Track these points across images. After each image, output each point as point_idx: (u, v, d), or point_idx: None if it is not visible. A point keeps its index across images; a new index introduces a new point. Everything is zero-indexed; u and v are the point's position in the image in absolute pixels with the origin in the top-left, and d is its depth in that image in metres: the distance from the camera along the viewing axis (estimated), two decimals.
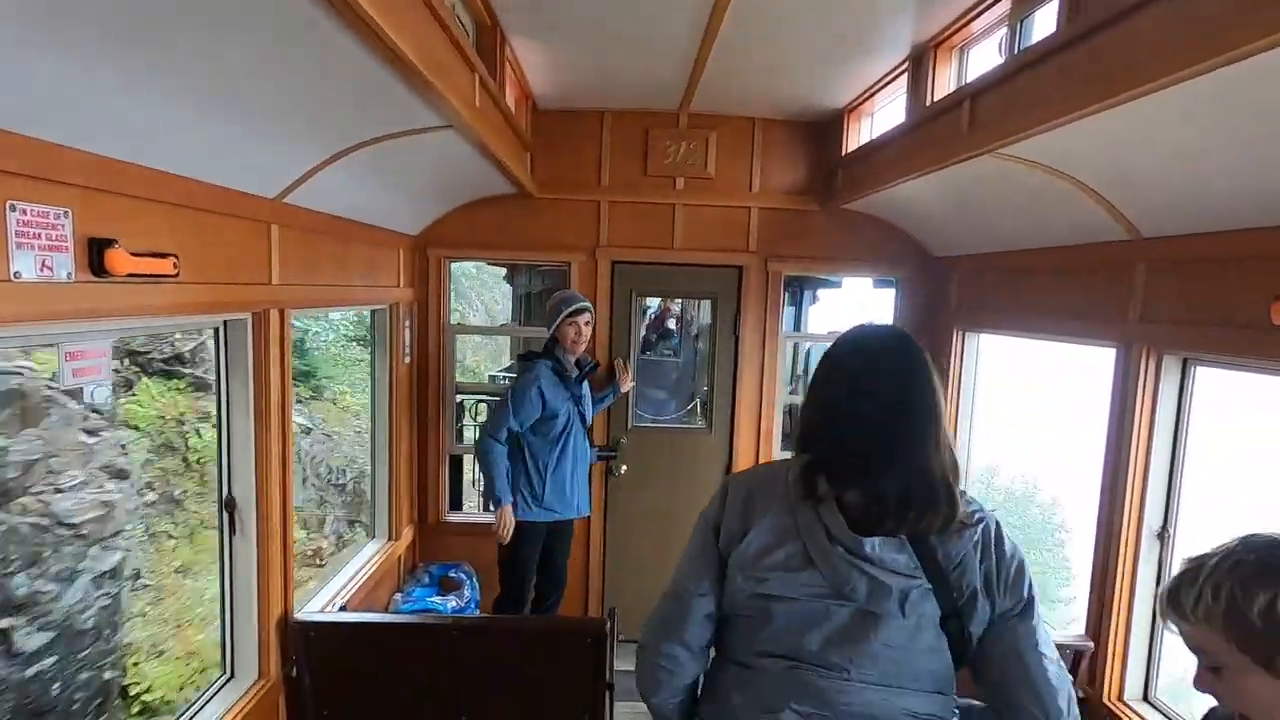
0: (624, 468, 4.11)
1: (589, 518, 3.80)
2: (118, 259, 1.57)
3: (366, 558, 3.50)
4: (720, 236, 4.00)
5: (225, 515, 2.36)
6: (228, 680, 2.40)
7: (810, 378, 1.54)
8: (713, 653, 1.50)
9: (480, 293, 12.05)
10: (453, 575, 3.98)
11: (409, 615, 2.92)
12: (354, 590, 3.17)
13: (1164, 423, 2.43)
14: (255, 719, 2.34)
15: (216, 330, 2.28)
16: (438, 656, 2.57)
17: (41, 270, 1.42)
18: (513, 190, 3.78)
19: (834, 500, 1.33)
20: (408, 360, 3.84)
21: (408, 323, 3.80)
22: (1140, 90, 1.56)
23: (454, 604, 3.74)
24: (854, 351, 1.42)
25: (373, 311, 3.63)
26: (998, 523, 1.39)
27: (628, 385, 4.00)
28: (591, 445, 3.63)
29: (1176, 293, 2.31)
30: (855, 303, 5.43)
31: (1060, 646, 2.53)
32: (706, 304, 4.22)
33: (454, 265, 4.20)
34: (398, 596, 3.73)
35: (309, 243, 2.64)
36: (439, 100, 1.99)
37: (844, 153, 3.71)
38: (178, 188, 1.83)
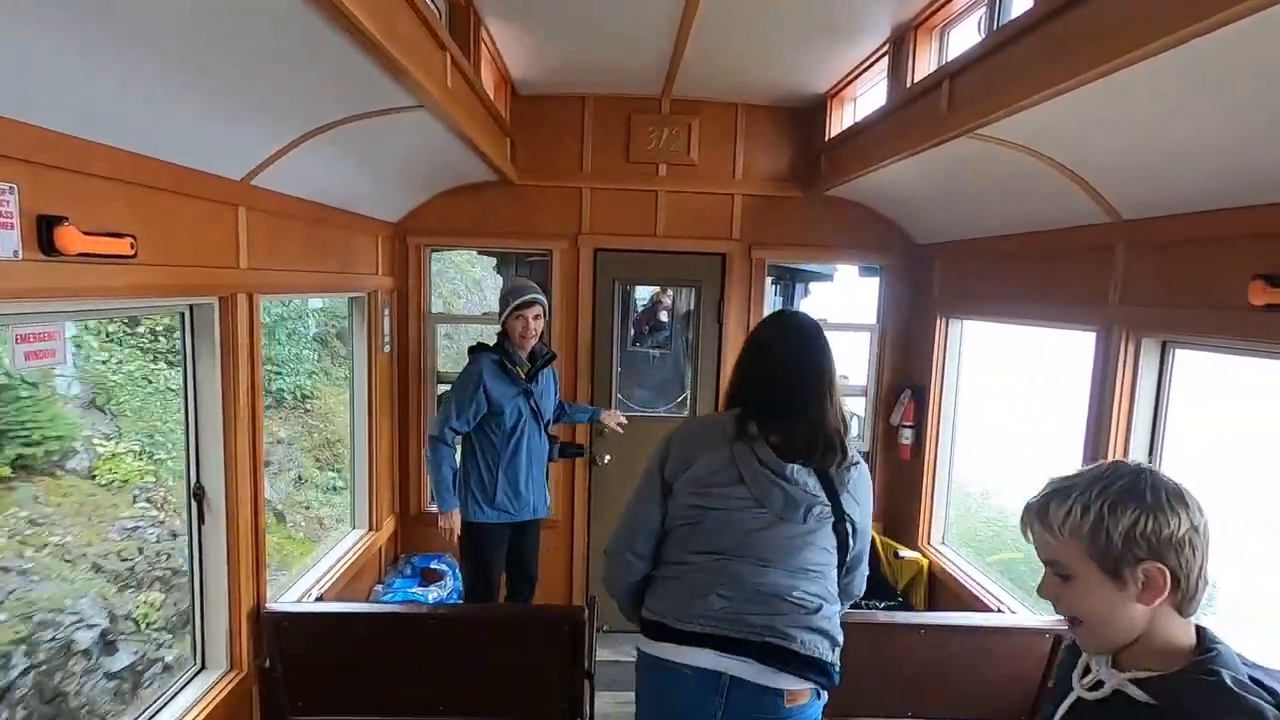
0: (607, 457, 4.09)
1: (555, 513, 3.68)
2: (69, 237, 1.52)
3: (346, 548, 3.46)
4: (703, 224, 3.97)
5: (194, 505, 2.31)
6: (198, 672, 2.36)
7: (742, 351, 1.97)
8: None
9: (439, 284, 11.10)
10: (435, 566, 3.95)
11: (384, 605, 2.88)
12: (332, 581, 3.13)
13: (1143, 406, 2.43)
14: (226, 710, 2.30)
15: (183, 315, 2.23)
16: (414, 646, 2.53)
17: None
18: (494, 177, 3.73)
19: (762, 439, 1.77)
20: (387, 349, 3.79)
21: (387, 311, 3.75)
22: (1111, 65, 1.54)
23: (435, 595, 3.71)
24: (775, 332, 1.89)
25: (351, 299, 3.58)
26: (866, 468, 1.91)
27: (613, 422, 3.59)
28: (553, 441, 3.38)
29: (1155, 275, 2.30)
30: (845, 294, 5.41)
31: (1039, 631, 2.55)
32: (692, 293, 4.17)
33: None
34: (378, 587, 3.70)
35: (280, 227, 2.59)
36: (407, 79, 1.94)
37: (827, 138, 3.68)
38: (135, 166, 1.78)
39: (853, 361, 4.54)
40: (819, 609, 1.75)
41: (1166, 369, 2.39)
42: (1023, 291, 3.02)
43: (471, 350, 3.28)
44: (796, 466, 1.75)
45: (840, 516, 1.80)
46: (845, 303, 5.22)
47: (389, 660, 2.54)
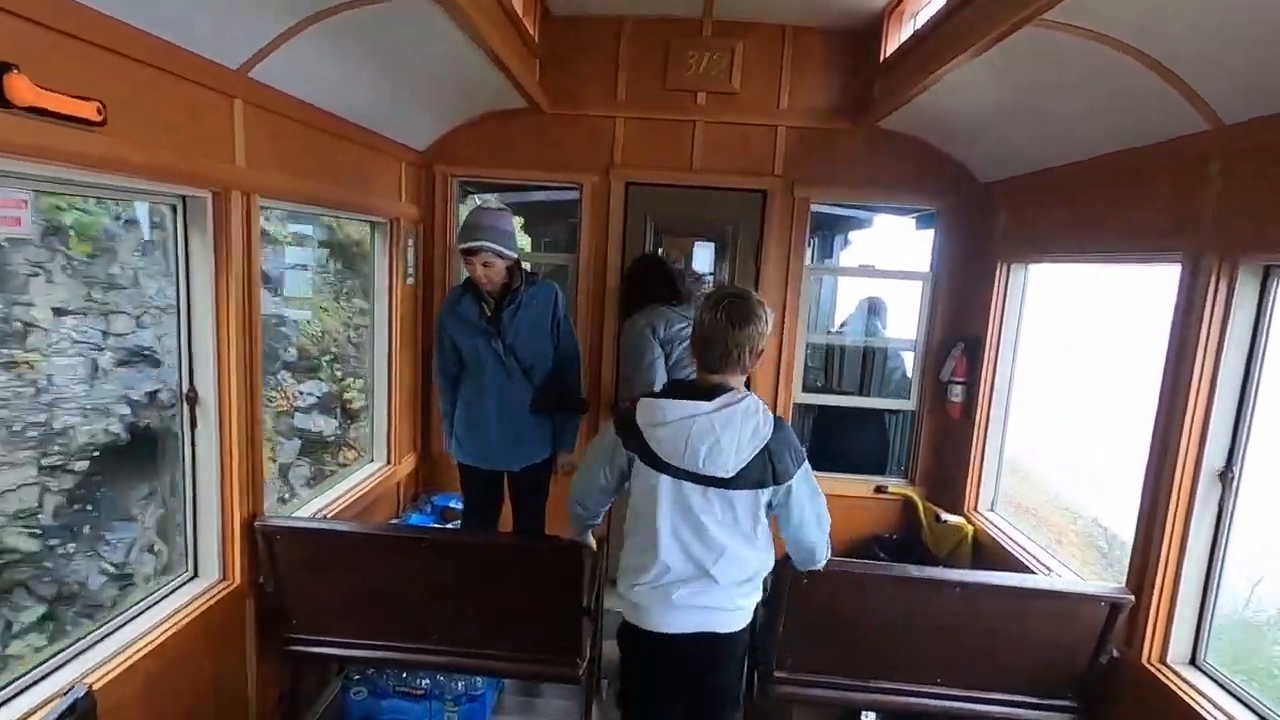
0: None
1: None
2: (19, 86, 1.42)
3: (359, 479, 3.41)
4: (743, 158, 3.70)
5: (186, 409, 2.25)
6: (190, 579, 2.32)
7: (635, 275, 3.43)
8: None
9: None
10: (454, 506, 3.87)
11: (377, 525, 2.79)
12: (341, 508, 3.07)
13: (1235, 345, 2.08)
14: (215, 618, 2.26)
15: (175, 208, 2.14)
16: (409, 571, 2.44)
17: None
18: (523, 104, 3.56)
19: (679, 310, 3.18)
20: (411, 281, 3.69)
21: (411, 241, 3.65)
22: None
23: None
24: (650, 262, 3.45)
25: (373, 224, 3.49)
26: None
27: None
28: (541, 390, 2.89)
29: (1259, 187, 1.95)
30: (887, 242, 5.04)
31: (1095, 598, 2.25)
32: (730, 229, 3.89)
33: None
34: (394, 522, 3.65)
35: (287, 131, 2.48)
36: None
37: (882, 60, 3.35)
38: (107, 29, 1.67)
39: (903, 313, 4.22)
40: None
41: (1268, 300, 2.04)
42: (1098, 225, 2.66)
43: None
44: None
45: None
46: (890, 252, 4.86)
47: (383, 584, 2.46)
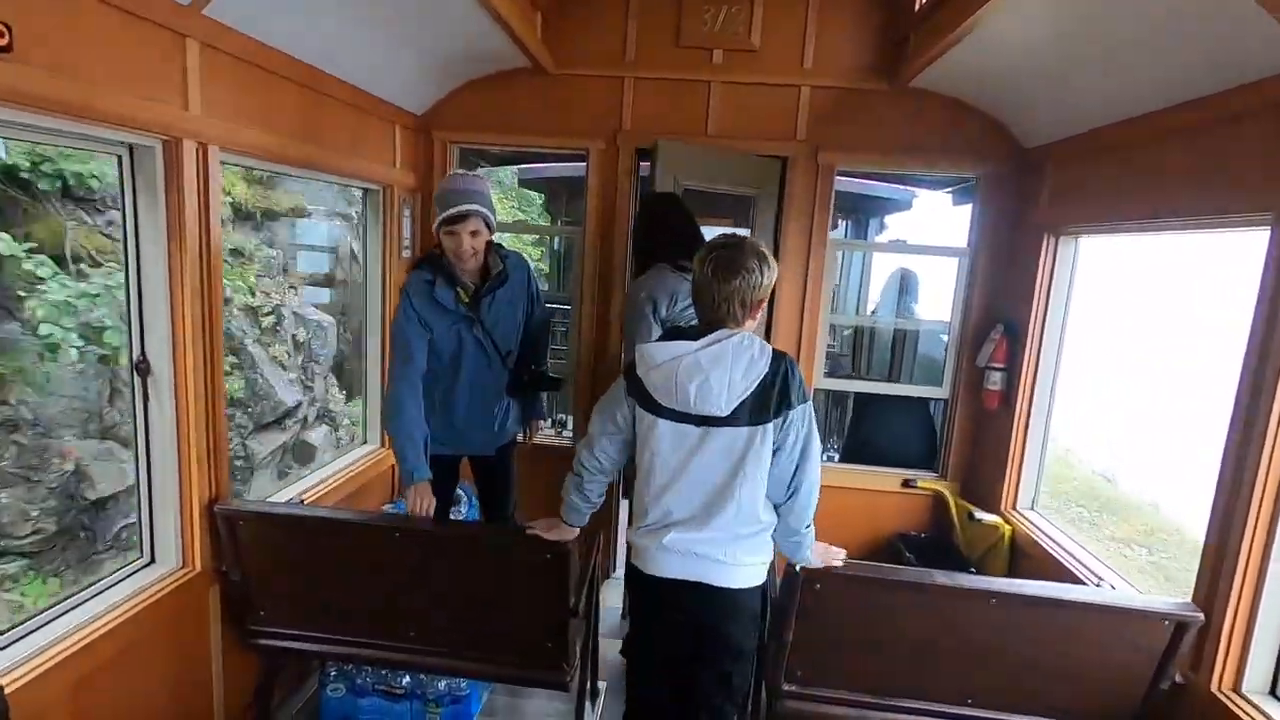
0: None
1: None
2: None
3: (349, 460, 3.23)
4: (763, 121, 3.41)
5: (138, 380, 2.07)
6: (146, 564, 2.15)
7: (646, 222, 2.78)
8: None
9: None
10: (457, 493, 3.68)
11: (347, 512, 2.59)
12: (326, 491, 2.89)
13: None
14: (173, 607, 2.08)
15: (121, 158, 1.95)
16: (379, 561, 2.23)
17: None
18: (526, 64, 3.31)
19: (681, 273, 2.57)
20: (407, 254, 3.49)
21: (408, 211, 3.44)
22: None
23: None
24: (668, 205, 2.81)
25: (365, 193, 3.28)
26: None
27: (535, 435, 2.95)
28: (517, 373, 2.64)
29: None
30: (925, 221, 4.68)
31: (1156, 615, 1.94)
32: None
33: None
34: (387, 506, 3.47)
35: (256, 80, 2.27)
36: None
37: (917, 8, 3.02)
38: None
39: (938, 292, 3.90)
40: None
41: None
42: (1163, 188, 2.32)
43: (418, 264, 2.55)
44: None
45: None
46: (925, 229, 4.51)
47: (353, 575, 2.26)
